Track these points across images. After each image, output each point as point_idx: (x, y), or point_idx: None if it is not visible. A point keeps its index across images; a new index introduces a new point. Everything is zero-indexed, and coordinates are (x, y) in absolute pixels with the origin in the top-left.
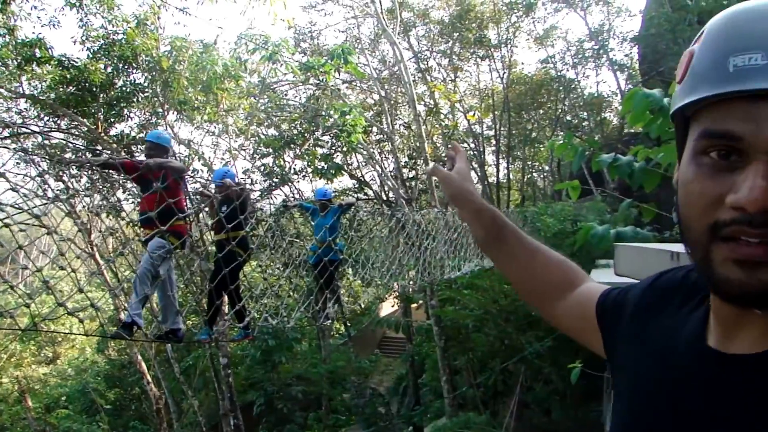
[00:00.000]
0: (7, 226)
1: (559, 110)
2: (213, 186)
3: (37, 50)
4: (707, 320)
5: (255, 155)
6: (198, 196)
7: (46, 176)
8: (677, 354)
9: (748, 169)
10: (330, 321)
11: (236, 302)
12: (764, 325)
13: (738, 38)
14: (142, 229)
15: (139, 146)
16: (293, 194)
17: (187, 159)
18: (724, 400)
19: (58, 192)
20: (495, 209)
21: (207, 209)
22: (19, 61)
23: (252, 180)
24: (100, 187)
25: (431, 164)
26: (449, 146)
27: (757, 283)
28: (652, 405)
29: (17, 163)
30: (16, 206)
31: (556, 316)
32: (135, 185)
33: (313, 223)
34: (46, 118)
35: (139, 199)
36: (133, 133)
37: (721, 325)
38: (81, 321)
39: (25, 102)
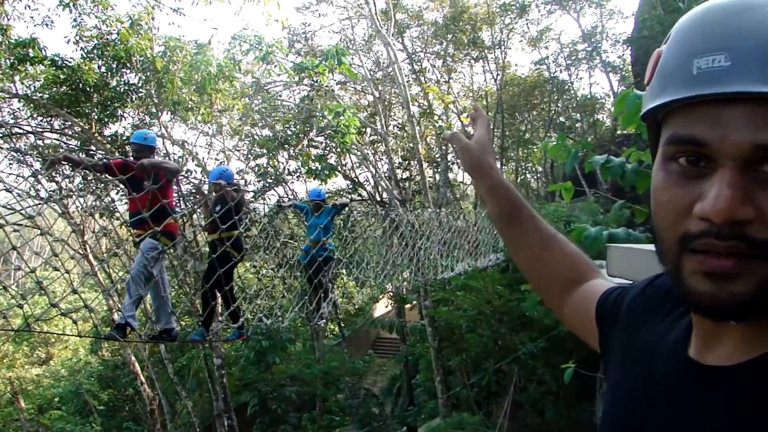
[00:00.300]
0: (0, 227)
1: (553, 112)
2: (206, 186)
3: (30, 50)
4: (691, 329)
5: (249, 156)
6: (193, 196)
7: (39, 176)
8: (659, 362)
9: (714, 177)
10: (324, 321)
11: (231, 303)
12: (741, 336)
13: (701, 39)
14: (133, 229)
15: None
16: (287, 195)
17: (180, 159)
18: (697, 412)
19: (51, 192)
20: (512, 188)
21: (201, 209)
22: (12, 61)
23: (246, 181)
24: (94, 187)
25: (448, 132)
26: (472, 107)
27: (727, 295)
28: (630, 412)
29: (9, 164)
30: (9, 207)
31: (563, 311)
32: (123, 185)
33: (307, 224)
34: (39, 118)
35: (127, 200)
36: (127, 134)
37: (701, 335)
38: (75, 322)
39: (18, 102)
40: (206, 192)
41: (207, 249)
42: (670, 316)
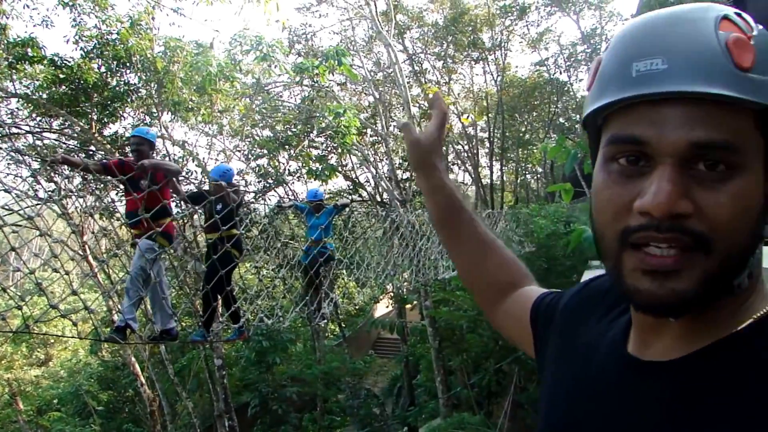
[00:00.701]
0: (0, 228)
1: (552, 113)
2: (206, 185)
3: (29, 50)
4: (630, 326)
5: (250, 156)
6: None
7: (38, 177)
8: (598, 359)
9: (654, 174)
10: (325, 321)
11: (231, 303)
12: (678, 332)
13: (640, 44)
14: (131, 229)
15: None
16: (288, 195)
17: (181, 160)
18: (634, 407)
19: (50, 192)
20: (455, 190)
21: (201, 209)
22: (10, 60)
23: (246, 181)
24: (93, 187)
25: (403, 120)
26: (431, 96)
27: (668, 292)
28: (569, 411)
29: (8, 164)
30: (7, 207)
31: (496, 315)
32: (121, 185)
33: (307, 224)
34: (38, 118)
35: (123, 199)
36: (127, 134)
37: (639, 331)
38: (74, 323)
39: (17, 102)
40: (207, 190)
41: (205, 250)
42: (608, 315)
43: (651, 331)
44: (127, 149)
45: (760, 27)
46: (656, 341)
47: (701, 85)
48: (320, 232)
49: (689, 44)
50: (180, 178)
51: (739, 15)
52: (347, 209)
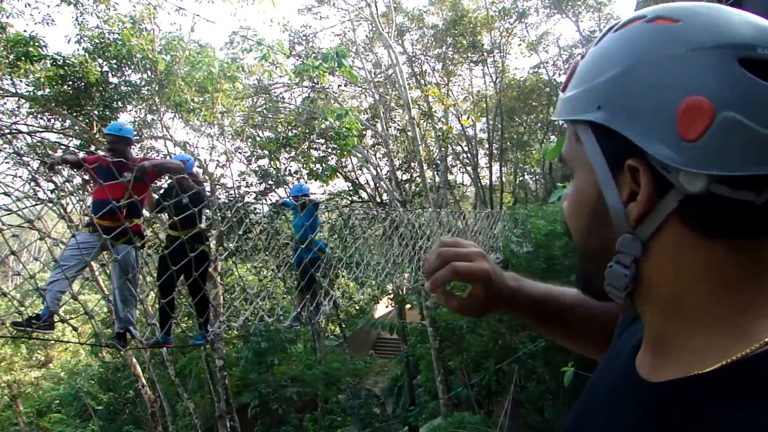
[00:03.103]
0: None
1: (551, 114)
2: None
3: (30, 48)
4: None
5: (251, 157)
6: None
7: (37, 176)
8: (611, 372)
9: None
10: (314, 321)
11: (207, 303)
12: (681, 353)
13: None
14: (98, 219)
15: (135, 146)
16: (289, 196)
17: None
18: (622, 424)
19: (50, 192)
20: (539, 292)
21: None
22: (11, 59)
23: (247, 182)
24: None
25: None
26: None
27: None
28: (577, 421)
29: (8, 165)
30: (6, 208)
31: None
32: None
33: (294, 223)
34: (39, 118)
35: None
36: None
37: (647, 346)
38: (75, 329)
39: (17, 101)
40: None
41: (163, 247)
42: (634, 325)
43: (657, 347)
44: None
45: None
46: (658, 359)
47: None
48: (305, 230)
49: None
50: (185, 175)
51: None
52: (321, 205)
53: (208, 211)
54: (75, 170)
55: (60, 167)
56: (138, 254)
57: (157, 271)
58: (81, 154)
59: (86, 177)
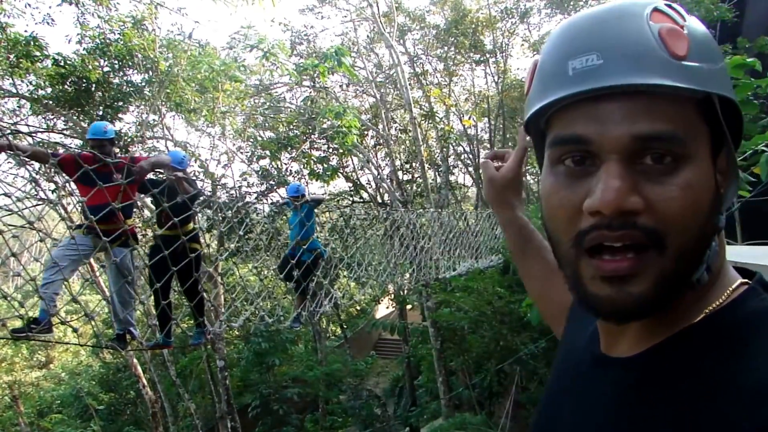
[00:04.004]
0: (0, 232)
1: None
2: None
3: (30, 48)
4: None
5: (252, 157)
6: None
7: (38, 176)
8: (577, 356)
9: (600, 172)
10: (310, 321)
11: (201, 304)
12: (640, 329)
13: (574, 42)
14: (98, 224)
15: (137, 146)
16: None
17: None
18: (597, 400)
19: (50, 192)
20: (525, 223)
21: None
22: (11, 59)
23: (249, 183)
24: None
25: (483, 158)
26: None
27: (626, 297)
28: (548, 404)
29: (9, 163)
30: (6, 208)
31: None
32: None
33: (290, 223)
34: (40, 117)
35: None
36: (131, 133)
37: (603, 330)
38: (75, 330)
39: (18, 100)
40: (157, 179)
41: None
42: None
43: (615, 329)
44: (131, 149)
45: (691, 16)
46: (621, 339)
47: (638, 76)
48: (299, 230)
49: (622, 38)
50: (180, 168)
51: (669, 6)
52: (322, 204)
53: (208, 211)
54: (41, 164)
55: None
56: (134, 256)
57: (149, 272)
58: (61, 150)
59: (64, 175)
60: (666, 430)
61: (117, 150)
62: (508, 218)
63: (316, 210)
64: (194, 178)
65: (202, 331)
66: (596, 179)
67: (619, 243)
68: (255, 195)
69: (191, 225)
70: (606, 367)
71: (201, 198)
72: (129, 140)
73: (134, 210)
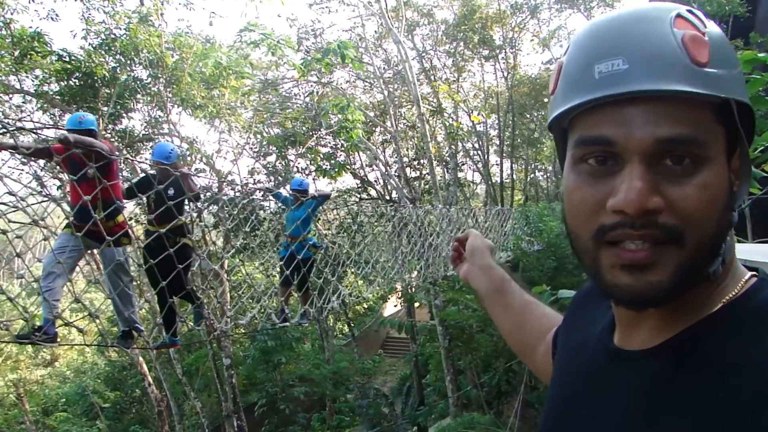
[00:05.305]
0: (4, 233)
1: None
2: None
3: (35, 43)
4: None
5: (259, 153)
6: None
7: (42, 173)
8: (588, 354)
9: (623, 173)
10: (306, 322)
11: (194, 300)
12: (657, 321)
13: (600, 46)
14: (77, 223)
15: (144, 143)
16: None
17: (189, 157)
18: (617, 394)
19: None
20: (505, 269)
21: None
22: (16, 54)
23: (254, 180)
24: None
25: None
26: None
27: (645, 285)
28: (560, 404)
29: (14, 160)
30: (12, 204)
31: (537, 364)
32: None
33: (286, 218)
34: (49, 114)
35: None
36: (137, 130)
37: (621, 324)
38: (80, 330)
39: (23, 96)
40: (153, 174)
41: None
42: (597, 312)
43: (631, 322)
44: (136, 145)
45: (710, 21)
46: (637, 332)
47: (662, 83)
48: (297, 226)
49: (647, 43)
50: (114, 156)
51: (691, 12)
52: (328, 201)
53: (215, 207)
54: (46, 160)
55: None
56: (127, 254)
57: (147, 271)
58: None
59: (59, 170)
60: (699, 415)
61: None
62: (489, 264)
63: (322, 206)
64: (188, 172)
65: (200, 313)
66: (619, 179)
67: (641, 241)
68: (261, 192)
69: (181, 220)
70: (626, 360)
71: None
72: (136, 137)
73: (123, 208)
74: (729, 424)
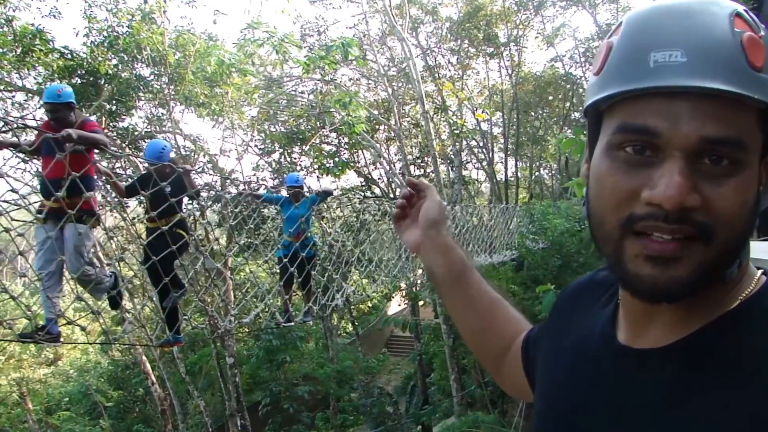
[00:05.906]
0: (7, 231)
1: (567, 108)
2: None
3: (37, 41)
4: (616, 316)
5: (264, 151)
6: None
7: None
8: (592, 350)
9: (665, 166)
10: (310, 320)
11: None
12: (670, 319)
13: (658, 34)
14: (46, 201)
15: (146, 141)
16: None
17: (192, 155)
18: (633, 395)
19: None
20: (463, 250)
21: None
22: (18, 52)
23: (258, 178)
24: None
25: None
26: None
27: (668, 278)
28: (561, 403)
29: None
30: (14, 202)
31: (502, 372)
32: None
33: (284, 216)
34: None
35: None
36: (139, 127)
37: (631, 320)
38: (83, 329)
39: (25, 94)
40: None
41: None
42: (593, 308)
43: (642, 319)
44: (140, 143)
45: (762, 25)
46: (648, 329)
47: (719, 82)
48: (299, 224)
49: (708, 39)
50: (112, 150)
51: (747, 12)
52: (330, 198)
53: (217, 205)
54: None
55: None
56: (88, 232)
57: (147, 269)
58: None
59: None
60: (724, 408)
61: (76, 118)
62: (447, 242)
63: (324, 203)
64: (186, 168)
65: (182, 293)
66: (658, 172)
67: (670, 236)
68: (265, 189)
69: (177, 215)
70: (636, 360)
71: (185, 188)
72: (138, 135)
73: (95, 185)
74: (756, 414)
